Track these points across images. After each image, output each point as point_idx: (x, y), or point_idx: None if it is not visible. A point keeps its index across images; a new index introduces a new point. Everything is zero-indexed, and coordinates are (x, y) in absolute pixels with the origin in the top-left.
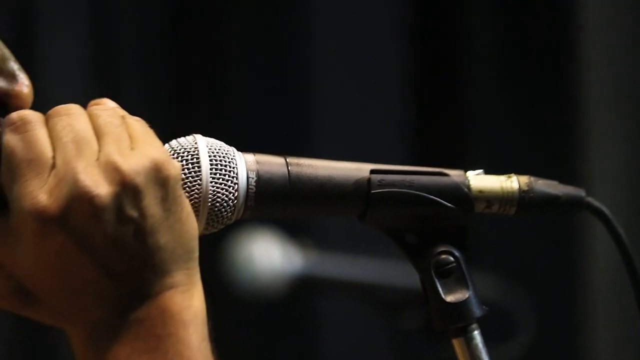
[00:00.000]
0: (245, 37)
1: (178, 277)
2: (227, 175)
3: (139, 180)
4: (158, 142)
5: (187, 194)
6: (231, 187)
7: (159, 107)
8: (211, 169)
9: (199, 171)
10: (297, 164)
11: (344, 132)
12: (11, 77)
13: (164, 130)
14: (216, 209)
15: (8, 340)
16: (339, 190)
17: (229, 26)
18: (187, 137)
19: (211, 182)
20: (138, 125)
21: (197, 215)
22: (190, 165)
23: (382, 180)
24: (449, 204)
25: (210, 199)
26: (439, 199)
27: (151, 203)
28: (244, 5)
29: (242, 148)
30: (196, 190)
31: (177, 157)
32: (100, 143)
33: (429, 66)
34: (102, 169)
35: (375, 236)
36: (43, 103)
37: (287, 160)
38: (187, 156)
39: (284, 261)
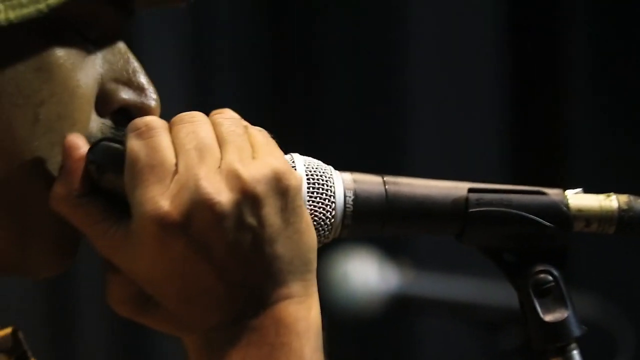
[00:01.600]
0: (341, 54)
1: (294, 287)
2: (324, 194)
3: (260, 188)
4: (279, 152)
5: None
6: (328, 206)
7: (256, 125)
8: (308, 188)
9: None
10: (395, 183)
11: (441, 150)
12: (140, 90)
13: None
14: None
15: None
16: (437, 209)
17: (325, 42)
18: (285, 156)
19: (308, 201)
20: (260, 135)
21: None
22: None
23: (480, 199)
24: (548, 223)
25: None
26: (537, 218)
27: (270, 212)
28: (341, 17)
29: (339, 167)
30: None
31: None
32: (223, 151)
33: (527, 85)
34: (224, 176)
35: (472, 255)
36: None
37: (385, 179)
38: None
39: (380, 280)
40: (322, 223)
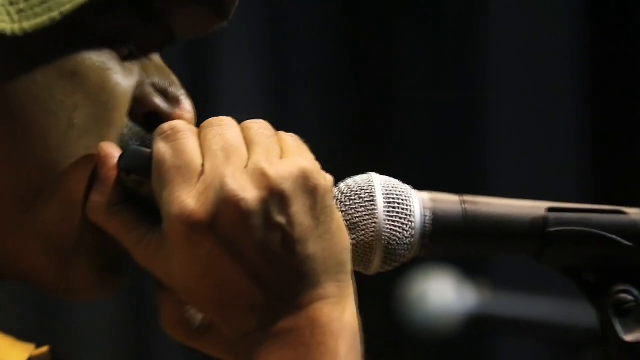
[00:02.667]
0: (420, 71)
1: (329, 288)
2: (402, 214)
3: (286, 186)
4: (309, 154)
5: (362, 232)
6: (406, 226)
7: (335, 144)
8: (386, 207)
9: (375, 209)
10: (473, 202)
11: (520, 169)
12: (175, 101)
13: (339, 167)
14: (391, 247)
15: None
16: (515, 228)
17: (403, 58)
18: (363, 175)
19: (386, 220)
20: (290, 139)
21: (372, 254)
22: (365, 204)
23: (559, 218)
24: (628, 243)
25: (385, 237)
26: (617, 238)
27: (299, 211)
28: (419, 41)
29: (417, 186)
30: (372, 229)
31: (352, 196)
32: (250, 152)
33: (607, 104)
34: (250, 174)
35: (551, 274)
36: None
37: (463, 198)
38: (362, 194)
39: (458, 299)
40: (401, 242)
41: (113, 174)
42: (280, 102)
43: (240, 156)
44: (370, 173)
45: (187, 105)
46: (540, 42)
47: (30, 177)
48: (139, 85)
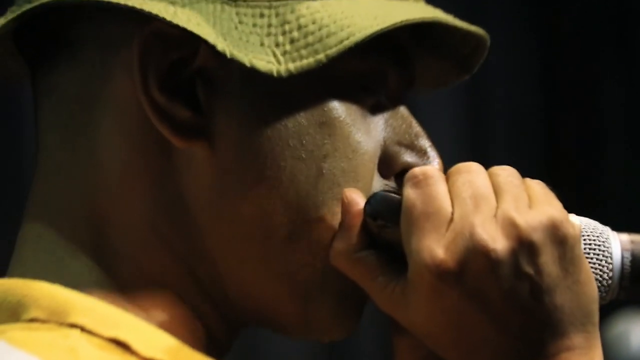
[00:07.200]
0: (623, 115)
1: (576, 339)
2: (601, 255)
3: (536, 236)
4: (557, 202)
5: None
6: (605, 267)
7: None
8: (585, 249)
9: None
10: None
11: None
12: (422, 153)
13: None
14: None
15: None
16: None
17: (604, 102)
18: None
19: None
20: (538, 186)
21: None
22: None
23: None
24: None
25: None
26: None
27: (548, 261)
28: (618, 89)
29: (616, 228)
30: None
31: None
32: (499, 200)
33: None
34: (499, 224)
35: None
36: None
37: None
38: None
39: None
40: (599, 284)
41: (358, 220)
42: (476, 146)
43: (489, 204)
44: (569, 214)
45: (434, 157)
46: None
47: (278, 223)
48: (385, 145)
